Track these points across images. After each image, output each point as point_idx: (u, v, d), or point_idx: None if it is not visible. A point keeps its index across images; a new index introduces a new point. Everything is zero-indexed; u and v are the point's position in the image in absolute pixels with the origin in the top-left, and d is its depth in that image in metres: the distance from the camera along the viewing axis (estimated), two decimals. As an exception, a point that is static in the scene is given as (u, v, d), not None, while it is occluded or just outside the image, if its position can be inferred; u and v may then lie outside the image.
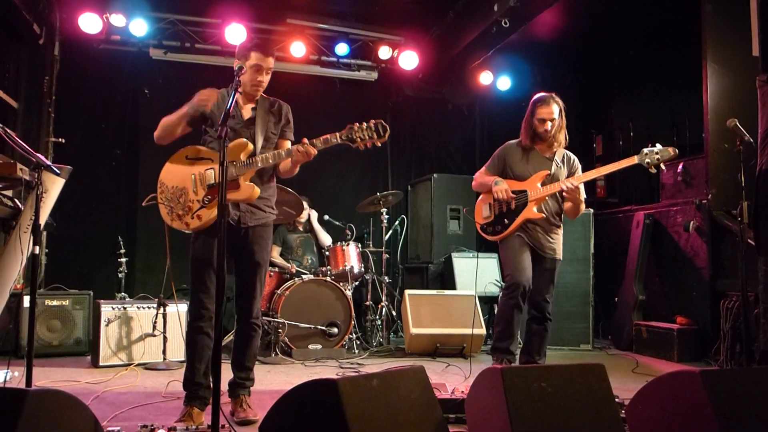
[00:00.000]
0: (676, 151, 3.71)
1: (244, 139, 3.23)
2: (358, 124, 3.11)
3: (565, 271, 6.12)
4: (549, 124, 3.99)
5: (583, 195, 3.99)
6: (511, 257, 4.00)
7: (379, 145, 3.14)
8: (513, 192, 4.01)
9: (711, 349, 5.28)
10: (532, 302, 4.03)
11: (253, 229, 3.32)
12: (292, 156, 3.22)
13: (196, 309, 3.24)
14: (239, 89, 2.98)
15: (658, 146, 3.70)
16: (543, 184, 3.99)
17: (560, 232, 4.09)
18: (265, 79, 3.32)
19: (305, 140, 3.19)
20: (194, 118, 3.33)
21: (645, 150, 3.73)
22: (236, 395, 3.38)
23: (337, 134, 3.16)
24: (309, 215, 6.41)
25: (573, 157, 4.16)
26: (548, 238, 4.02)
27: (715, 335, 5.19)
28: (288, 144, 3.43)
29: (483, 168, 4.28)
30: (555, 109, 4.01)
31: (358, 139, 3.12)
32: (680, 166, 6.06)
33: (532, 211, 3.97)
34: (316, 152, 3.21)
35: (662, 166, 3.72)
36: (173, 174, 3.35)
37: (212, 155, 3.29)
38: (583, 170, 4.15)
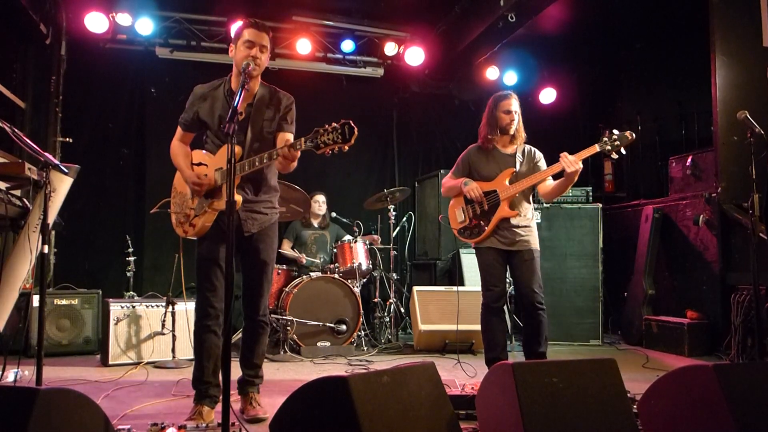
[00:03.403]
0: (633, 135, 3.74)
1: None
2: (325, 126, 2.74)
3: (574, 266, 6.12)
4: (515, 115, 4.07)
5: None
6: (484, 273, 4.09)
7: (346, 150, 2.72)
8: (483, 193, 4.04)
9: (722, 344, 5.26)
10: (521, 296, 4.06)
11: (258, 231, 3.30)
12: (278, 160, 3.03)
13: (203, 307, 3.23)
14: (246, 85, 2.97)
15: (616, 132, 3.76)
16: (510, 182, 4.02)
17: (533, 224, 4.11)
18: (261, 57, 3.14)
19: (288, 140, 3.04)
20: (192, 124, 3.35)
21: (604, 137, 3.79)
22: (245, 393, 3.38)
23: (302, 139, 2.83)
24: (326, 211, 6.43)
25: (534, 149, 4.18)
26: (521, 233, 4.01)
27: (726, 329, 5.15)
28: (288, 137, 3.24)
29: (449, 174, 4.31)
30: (515, 102, 4.11)
31: (322, 145, 2.74)
32: (689, 160, 6.02)
33: (506, 210, 3.99)
34: (298, 154, 2.99)
35: (622, 150, 3.75)
36: (181, 180, 3.40)
37: (208, 160, 3.28)
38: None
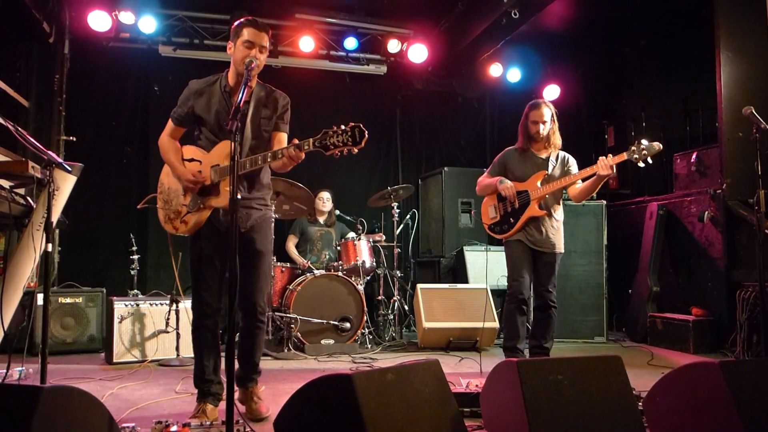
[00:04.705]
0: (661, 146, 3.87)
1: (229, 142, 2.99)
2: (334, 128, 2.70)
3: (579, 263, 6.10)
4: (541, 126, 4.30)
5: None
6: (511, 264, 4.33)
7: (355, 152, 2.70)
8: (515, 192, 4.29)
9: (727, 341, 5.24)
10: (536, 293, 4.36)
11: (251, 226, 3.26)
12: (280, 160, 2.98)
13: (199, 306, 3.19)
14: (249, 83, 2.94)
15: (645, 142, 3.90)
16: (542, 184, 4.25)
17: (560, 226, 4.36)
18: (260, 57, 3.09)
19: (295, 140, 2.98)
20: (186, 119, 3.29)
21: (632, 147, 3.92)
22: (245, 387, 3.35)
23: (311, 140, 2.79)
24: (332, 209, 6.41)
25: (568, 156, 4.42)
26: (549, 233, 4.29)
27: (731, 326, 5.14)
28: (283, 137, 3.26)
29: (485, 173, 4.58)
30: (546, 112, 4.33)
31: (331, 146, 2.70)
32: (694, 156, 5.99)
33: (535, 209, 4.24)
34: (303, 155, 2.95)
35: (649, 159, 3.90)
36: (170, 175, 3.32)
37: (201, 156, 3.22)
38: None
